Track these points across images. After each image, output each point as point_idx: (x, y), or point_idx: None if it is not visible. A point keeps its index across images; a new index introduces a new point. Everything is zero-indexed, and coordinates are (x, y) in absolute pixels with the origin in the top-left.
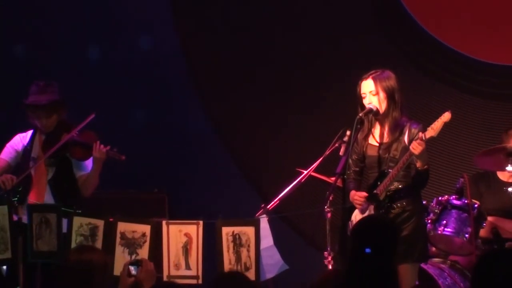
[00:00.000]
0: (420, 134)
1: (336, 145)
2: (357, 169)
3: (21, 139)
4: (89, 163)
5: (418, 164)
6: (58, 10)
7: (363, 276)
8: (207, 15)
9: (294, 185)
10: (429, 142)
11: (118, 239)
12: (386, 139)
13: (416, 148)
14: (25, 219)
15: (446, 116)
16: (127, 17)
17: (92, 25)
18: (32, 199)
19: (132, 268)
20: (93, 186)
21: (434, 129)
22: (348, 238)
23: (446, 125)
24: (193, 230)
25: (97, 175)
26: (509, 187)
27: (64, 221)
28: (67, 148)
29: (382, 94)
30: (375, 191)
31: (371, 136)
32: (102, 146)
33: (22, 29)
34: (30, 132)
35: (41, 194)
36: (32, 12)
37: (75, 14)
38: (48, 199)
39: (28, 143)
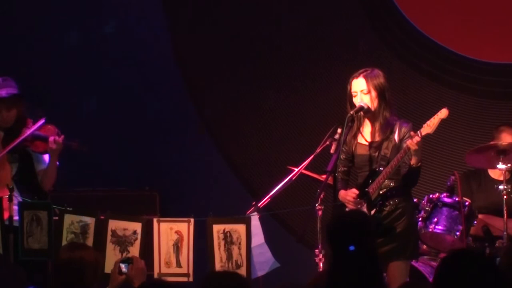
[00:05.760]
0: (412, 133)
1: (327, 142)
2: (345, 168)
3: None
4: (47, 157)
5: (413, 161)
6: None
7: (347, 276)
8: (197, 11)
9: (285, 183)
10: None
11: (109, 237)
12: (376, 137)
13: (415, 143)
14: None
15: (443, 113)
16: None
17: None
18: None
19: (123, 265)
20: (52, 179)
21: (430, 126)
22: None
23: (442, 121)
24: (184, 227)
25: (55, 167)
26: (500, 184)
27: None
28: (28, 142)
29: (373, 93)
30: (367, 189)
31: (360, 135)
32: (56, 137)
33: None
34: None
35: (5, 191)
36: None
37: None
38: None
39: None
